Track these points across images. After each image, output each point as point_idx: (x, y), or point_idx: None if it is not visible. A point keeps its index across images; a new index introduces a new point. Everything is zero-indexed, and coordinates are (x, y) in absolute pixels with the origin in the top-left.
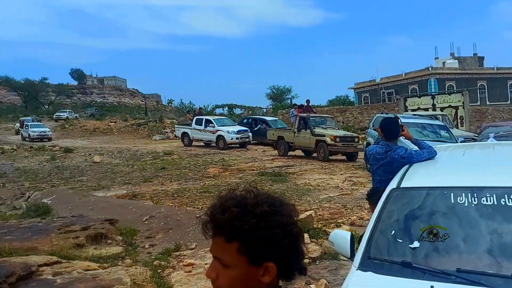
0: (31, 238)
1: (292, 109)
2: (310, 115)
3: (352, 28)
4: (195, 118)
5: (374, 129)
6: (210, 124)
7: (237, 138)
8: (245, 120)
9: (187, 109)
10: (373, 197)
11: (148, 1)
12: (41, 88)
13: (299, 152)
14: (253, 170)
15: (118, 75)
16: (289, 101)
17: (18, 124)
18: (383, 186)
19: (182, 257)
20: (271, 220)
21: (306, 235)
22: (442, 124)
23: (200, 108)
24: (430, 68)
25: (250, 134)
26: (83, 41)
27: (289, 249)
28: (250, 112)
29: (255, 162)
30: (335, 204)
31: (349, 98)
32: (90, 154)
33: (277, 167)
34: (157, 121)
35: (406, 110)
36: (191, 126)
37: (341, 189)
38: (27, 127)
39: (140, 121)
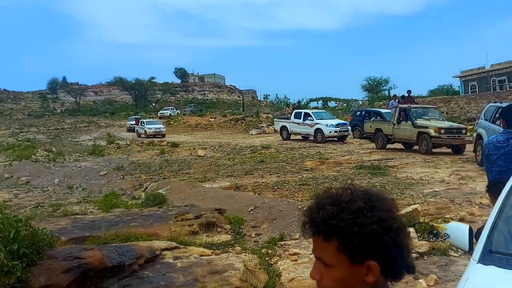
0: (152, 225)
1: (392, 101)
2: (411, 105)
3: (456, 14)
4: (294, 111)
5: (485, 119)
6: (308, 118)
7: (335, 132)
8: (358, 113)
9: (286, 103)
10: (494, 188)
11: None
12: (149, 87)
13: (397, 145)
14: (350, 163)
15: (217, 72)
16: (386, 93)
17: (129, 122)
18: (504, 176)
19: (286, 246)
20: (368, 216)
21: (412, 230)
22: None
23: (298, 101)
24: None
25: (349, 127)
26: (187, 41)
27: (391, 245)
28: (344, 104)
29: (351, 155)
30: (441, 199)
31: (453, 87)
32: (194, 149)
33: (375, 160)
34: (254, 116)
35: None
36: (290, 119)
37: (447, 183)
38: (143, 124)
39: (237, 117)
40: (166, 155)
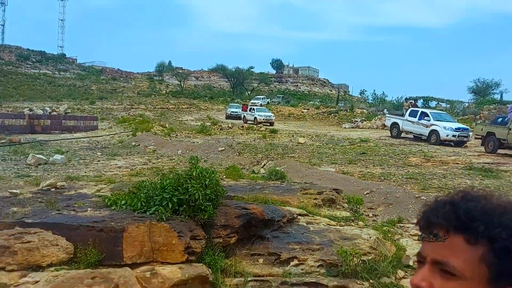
0: (283, 194)
1: (511, 105)
2: None
3: None
4: (410, 109)
5: None
6: (425, 117)
7: (453, 136)
8: (499, 119)
9: (404, 99)
10: None
11: None
12: (247, 76)
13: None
14: (457, 163)
15: (312, 65)
16: (497, 96)
17: (230, 109)
18: None
19: (405, 228)
20: None
21: None
22: None
23: (415, 99)
24: None
25: (471, 133)
26: (286, 33)
27: None
28: (448, 105)
29: (458, 156)
30: None
31: None
32: (292, 136)
33: (485, 163)
34: (348, 110)
35: None
36: (403, 116)
37: None
38: (252, 111)
39: (331, 110)
40: (268, 139)
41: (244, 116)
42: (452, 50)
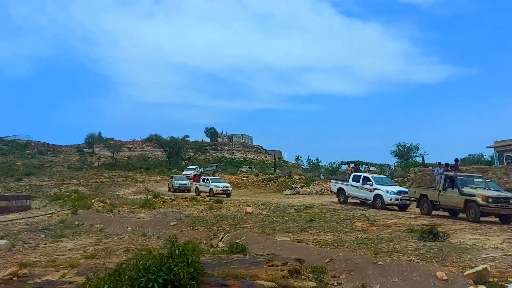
0: (249, 268)
1: (437, 168)
2: (458, 173)
3: (486, 83)
4: (353, 174)
5: None
6: (368, 182)
7: (396, 199)
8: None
9: (342, 163)
10: None
11: (272, 64)
12: (183, 145)
13: (439, 212)
14: (399, 226)
15: (245, 133)
16: (418, 159)
17: (178, 181)
18: None
19: None
20: None
21: (483, 287)
22: None
23: (356, 163)
24: None
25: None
26: (216, 103)
27: None
28: (377, 169)
29: (398, 219)
30: (500, 264)
31: (484, 156)
32: (239, 205)
33: (423, 225)
34: (286, 176)
35: None
36: (348, 182)
37: (502, 249)
38: (207, 182)
39: (270, 176)
40: (215, 210)
41: (196, 187)
42: (372, 116)
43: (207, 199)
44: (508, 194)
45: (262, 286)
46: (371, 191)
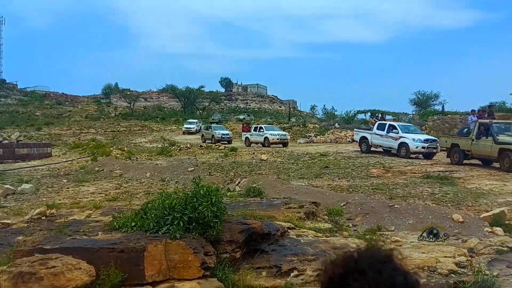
0: (267, 209)
1: (471, 116)
2: (493, 121)
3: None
4: (378, 123)
5: None
6: (393, 130)
7: (423, 147)
8: (465, 130)
9: (374, 114)
10: None
11: (290, 12)
12: (198, 95)
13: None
14: (414, 173)
15: (260, 83)
16: (438, 107)
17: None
18: None
19: (385, 235)
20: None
21: (499, 229)
22: None
23: (382, 113)
24: None
25: (438, 144)
26: (232, 52)
27: None
28: (394, 117)
29: (414, 166)
30: None
31: (506, 104)
32: (253, 153)
33: (439, 171)
34: (301, 125)
35: None
36: (371, 130)
37: None
38: (261, 130)
39: (284, 125)
40: (230, 157)
41: (247, 137)
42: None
43: (222, 147)
44: None
45: (280, 225)
46: (396, 139)
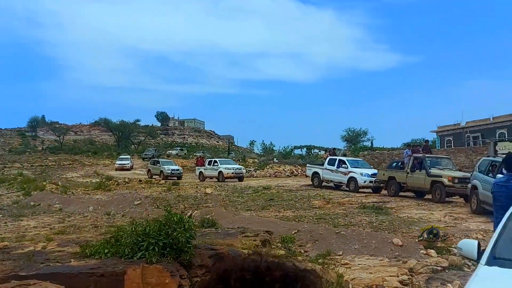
0: (225, 238)
1: (407, 150)
2: (426, 155)
3: (431, 71)
4: (328, 158)
5: (480, 171)
6: (343, 165)
7: (370, 182)
8: (394, 164)
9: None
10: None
11: (225, 49)
12: (134, 129)
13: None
14: (351, 204)
15: (197, 118)
16: (366, 143)
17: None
18: (505, 210)
19: (334, 260)
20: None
21: (432, 251)
22: None
23: (334, 149)
24: None
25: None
26: (167, 87)
27: None
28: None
29: (351, 197)
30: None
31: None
32: (197, 187)
33: (373, 202)
34: (240, 160)
35: (496, 154)
36: (323, 166)
37: (445, 222)
38: (215, 164)
39: None
40: (173, 191)
41: (201, 172)
42: (323, 102)
43: (162, 181)
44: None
45: (242, 252)
46: (345, 174)
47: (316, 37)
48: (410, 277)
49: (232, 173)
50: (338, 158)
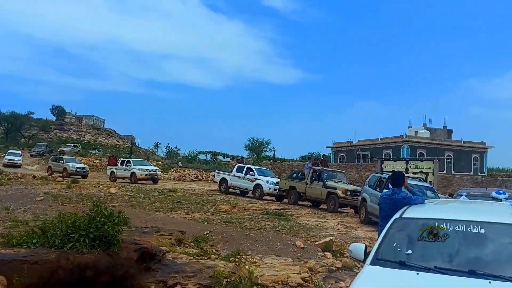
0: (141, 236)
1: (307, 162)
2: (324, 168)
3: (329, 90)
4: (237, 165)
5: (370, 186)
6: (250, 172)
7: (274, 189)
8: (294, 175)
9: (232, 158)
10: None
11: (129, 46)
12: (25, 122)
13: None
14: (256, 209)
15: (97, 115)
16: (268, 153)
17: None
18: (388, 219)
19: (244, 258)
20: None
21: (329, 254)
22: (430, 186)
23: (242, 157)
24: (404, 136)
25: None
26: (65, 79)
27: None
28: (231, 160)
29: (255, 203)
30: (337, 239)
31: (320, 155)
32: (99, 186)
33: (275, 209)
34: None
35: (382, 172)
36: (231, 172)
37: (338, 229)
38: (128, 164)
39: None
40: (74, 189)
41: (112, 171)
42: (228, 110)
43: (60, 179)
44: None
45: (161, 248)
46: (252, 181)
47: (224, 46)
48: (310, 275)
49: (146, 174)
50: (246, 165)
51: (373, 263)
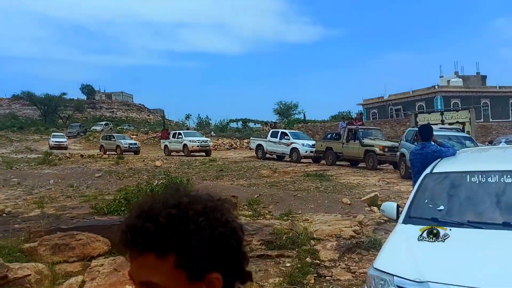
0: None
1: (341, 122)
2: (359, 126)
3: (354, 45)
4: (271, 131)
5: (407, 140)
6: (285, 137)
7: (311, 152)
8: (329, 136)
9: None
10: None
11: (146, 18)
12: (60, 103)
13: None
14: (296, 173)
15: (125, 91)
16: (300, 116)
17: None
18: (420, 174)
19: (296, 217)
20: (212, 219)
21: (375, 208)
22: (468, 136)
23: (275, 122)
24: (436, 86)
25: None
26: (87, 58)
27: (236, 250)
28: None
29: (294, 167)
30: (381, 195)
31: (351, 114)
32: (143, 160)
33: (315, 170)
34: None
35: (417, 125)
36: (266, 138)
37: (379, 186)
38: (180, 136)
39: (160, 135)
40: (122, 165)
41: (166, 145)
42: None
43: (105, 156)
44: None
45: None
46: (288, 145)
47: (240, 9)
48: (360, 228)
49: (198, 146)
50: (280, 130)
51: (405, 221)
